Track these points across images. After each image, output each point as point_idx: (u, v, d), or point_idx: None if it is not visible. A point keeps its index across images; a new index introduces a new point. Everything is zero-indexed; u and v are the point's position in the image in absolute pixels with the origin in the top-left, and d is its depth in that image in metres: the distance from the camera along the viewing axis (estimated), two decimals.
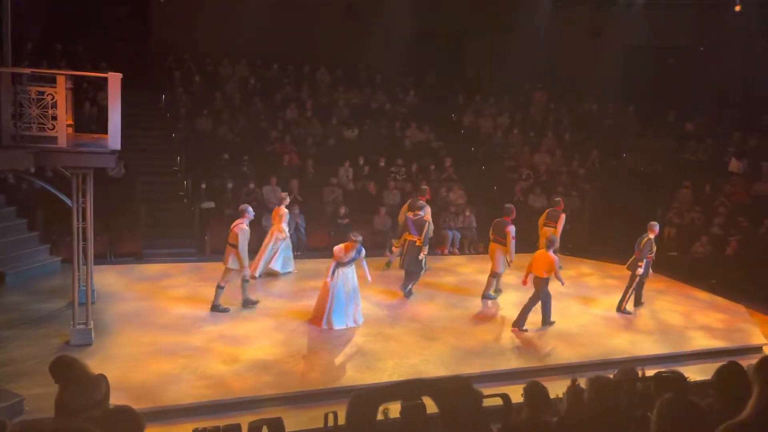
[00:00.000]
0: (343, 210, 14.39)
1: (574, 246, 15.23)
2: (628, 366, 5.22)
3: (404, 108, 18.89)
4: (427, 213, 11.75)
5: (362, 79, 19.11)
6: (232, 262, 9.85)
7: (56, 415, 4.21)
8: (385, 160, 16.50)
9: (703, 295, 12.62)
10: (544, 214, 13.66)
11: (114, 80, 8.41)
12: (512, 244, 11.18)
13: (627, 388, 3.97)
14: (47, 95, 8.10)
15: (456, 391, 1.84)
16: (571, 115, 19.65)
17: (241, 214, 10.19)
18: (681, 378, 3.88)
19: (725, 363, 4.00)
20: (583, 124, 19.36)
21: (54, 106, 8.10)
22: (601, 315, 11.01)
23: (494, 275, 11.49)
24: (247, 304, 10.20)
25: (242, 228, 9.87)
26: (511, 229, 11.22)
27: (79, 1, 16.76)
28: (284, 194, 12.30)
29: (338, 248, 9.74)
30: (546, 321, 10.10)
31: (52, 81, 8.36)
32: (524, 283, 10.29)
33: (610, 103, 19.77)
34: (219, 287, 9.99)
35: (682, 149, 17.49)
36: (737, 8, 16.85)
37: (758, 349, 10.01)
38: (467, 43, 20.90)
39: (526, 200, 16.48)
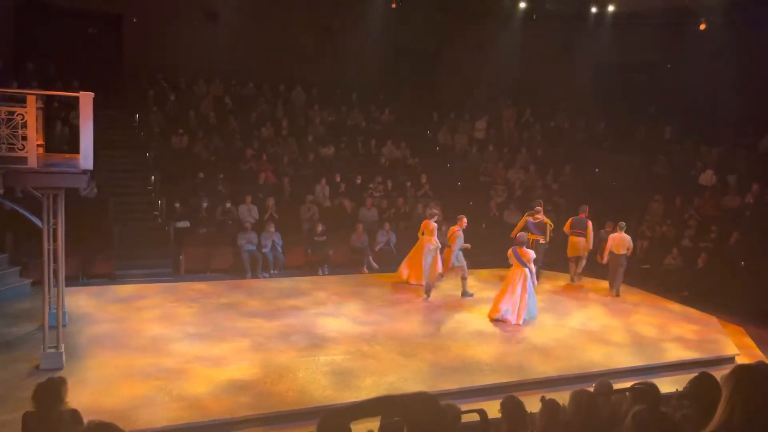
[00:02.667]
0: (320, 227, 14.37)
1: (550, 260, 15.37)
2: (604, 379, 5.29)
3: (380, 125, 19.02)
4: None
5: (338, 98, 19.20)
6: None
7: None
8: (361, 177, 16.55)
9: (676, 307, 12.82)
10: (568, 222, 14.03)
11: (86, 99, 8.33)
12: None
13: (605, 401, 4.01)
14: (17, 115, 7.98)
15: (422, 407, 1.85)
16: (544, 131, 19.96)
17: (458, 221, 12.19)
18: (654, 390, 3.93)
19: (698, 374, 4.07)
20: (556, 139, 19.67)
21: (24, 126, 7.98)
22: (576, 328, 11.10)
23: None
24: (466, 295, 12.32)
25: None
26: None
27: (50, 20, 16.62)
28: (435, 210, 13.30)
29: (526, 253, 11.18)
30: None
31: (22, 101, 8.24)
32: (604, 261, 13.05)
33: (581, 119, 20.13)
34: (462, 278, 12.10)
35: (652, 163, 17.85)
36: (702, 26, 17.37)
37: (731, 359, 10.16)
38: (441, 61, 21.18)
39: (501, 216, 16.64)
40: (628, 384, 4.89)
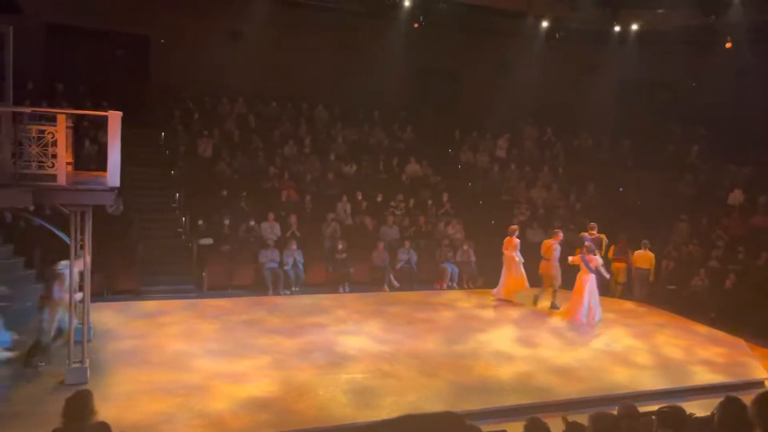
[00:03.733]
0: (341, 245, 14.41)
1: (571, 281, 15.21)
2: (628, 402, 5.19)
3: (402, 144, 19.08)
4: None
5: (360, 116, 19.34)
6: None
7: None
8: (382, 195, 16.59)
9: (703, 329, 12.56)
10: (612, 249, 14.74)
11: (114, 119, 8.51)
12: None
13: (629, 425, 3.93)
14: (47, 134, 8.18)
15: (448, 427, 1.83)
16: (566, 150, 19.86)
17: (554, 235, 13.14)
18: (683, 413, 3.85)
19: (725, 398, 3.98)
20: (579, 158, 19.55)
21: (54, 144, 8.17)
22: (600, 349, 10.93)
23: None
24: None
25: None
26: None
27: (80, 42, 17.06)
28: (515, 227, 14.03)
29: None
30: None
31: (52, 120, 8.45)
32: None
33: (605, 138, 19.99)
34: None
35: (678, 182, 17.63)
36: (728, 45, 17.20)
37: (760, 383, 9.91)
38: (463, 80, 21.25)
39: (524, 235, 16.51)
40: (653, 408, 4.80)
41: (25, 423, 7.09)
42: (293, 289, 13.78)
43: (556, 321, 12.57)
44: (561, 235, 13.44)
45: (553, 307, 13.18)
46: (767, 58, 16.26)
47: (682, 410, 4.06)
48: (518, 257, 13.58)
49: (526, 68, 19.21)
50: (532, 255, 13.93)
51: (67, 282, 8.66)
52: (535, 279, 13.69)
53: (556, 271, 13.22)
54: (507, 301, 13.67)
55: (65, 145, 8.32)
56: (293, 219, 14.86)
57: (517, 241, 13.72)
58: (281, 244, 14.12)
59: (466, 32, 19.32)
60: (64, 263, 8.86)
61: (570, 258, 12.86)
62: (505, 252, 13.70)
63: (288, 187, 16.07)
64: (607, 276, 12.86)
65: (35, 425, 6.80)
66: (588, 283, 12.29)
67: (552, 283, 13.31)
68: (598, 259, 12.50)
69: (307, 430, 7.59)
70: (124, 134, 8.67)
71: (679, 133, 19.10)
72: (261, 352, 9.88)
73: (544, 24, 19.05)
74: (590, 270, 12.29)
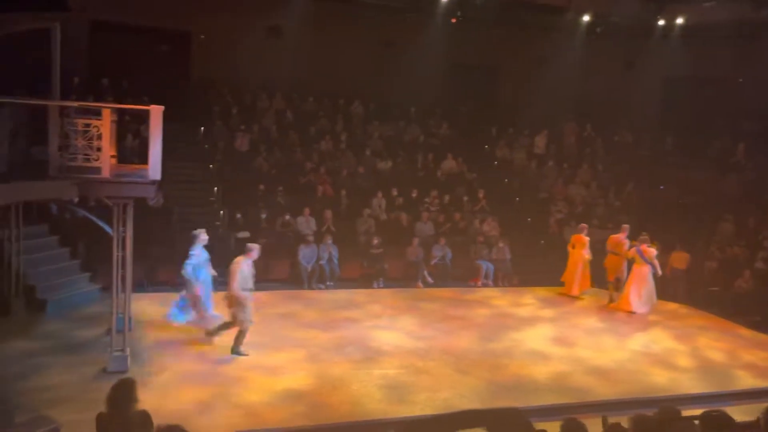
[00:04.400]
0: (376, 240, 14.43)
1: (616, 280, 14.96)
2: (669, 405, 5.06)
3: (437, 140, 18.99)
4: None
5: (396, 112, 19.31)
6: None
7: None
8: (417, 191, 16.55)
9: (747, 332, 12.20)
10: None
11: (156, 113, 8.67)
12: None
13: (670, 428, 3.84)
14: (93, 127, 8.39)
15: (512, 424, 1.80)
16: (606, 146, 19.49)
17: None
18: (728, 419, 3.73)
19: None
20: (619, 155, 19.16)
21: (99, 137, 8.37)
22: (638, 351, 10.72)
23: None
24: None
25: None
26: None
27: (124, 37, 17.44)
28: (584, 225, 14.35)
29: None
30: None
31: (97, 114, 8.66)
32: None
33: (646, 135, 19.55)
34: None
35: (722, 181, 17.13)
36: None
37: None
38: (501, 75, 21.03)
39: (561, 233, 16.29)
40: (693, 412, 4.68)
41: (70, 408, 7.29)
42: (328, 283, 13.86)
43: (593, 321, 12.37)
44: (627, 228, 13.70)
45: (613, 300, 13.49)
46: None
47: (727, 415, 3.94)
48: (587, 255, 13.97)
49: (565, 64, 18.90)
50: (566, 253, 13.75)
51: (239, 276, 9.26)
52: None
53: (624, 265, 13.53)
54: (573, 298, 13.91)
55: (109, 138, 8.52)
56: (328, 214, 14.94)
57: (587, 239, 14.05)
58: (317, 239, 14.22)
59: (505, 27, 19.10)
60: (241, 259, 9.52)
61: (627, 251, 13.35)
62: (572, 250, 14.13)
63: (324, 182, 16.17)
64: (659, 271, 13.05)
65: (80, 410, 6.99)
66: (643, 274, 12.88)
67: (618, 276, 13.56)
68: (653, 251, 12.91)
69: (341, 425, 7.64)
70: (165, 129, 8.82)
71: (725, 130, 18.54)
72: (296, 345, 9.98)
73: (585, 18, 18.70)
74: (646, 261, 12.87)
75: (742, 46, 17.67)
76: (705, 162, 17.88)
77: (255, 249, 9.74)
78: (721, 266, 14.49)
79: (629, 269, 13.33)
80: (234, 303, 9.34)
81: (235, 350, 9.41)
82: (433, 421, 1.74)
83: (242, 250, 13.82)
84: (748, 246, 14.67)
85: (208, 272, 10.37)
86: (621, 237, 13.67)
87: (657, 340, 11.38)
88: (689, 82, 19.38)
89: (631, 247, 13.29)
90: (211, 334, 9.73)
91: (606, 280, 13.89)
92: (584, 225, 14.38)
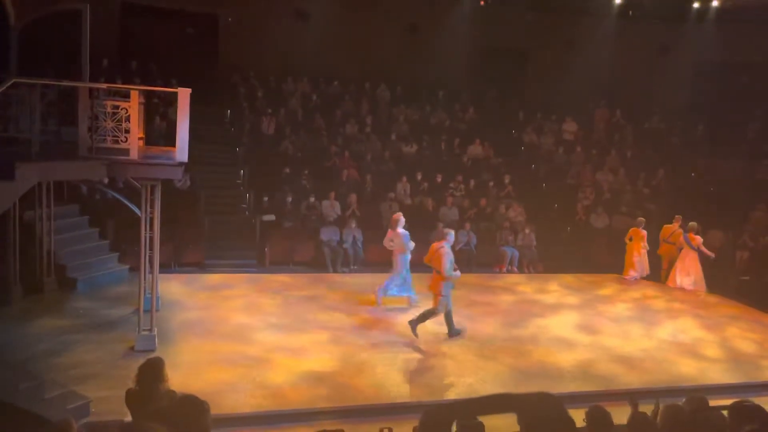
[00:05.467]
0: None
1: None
2: (698, 395, 4.97)
3: (464, 124, 18.82)
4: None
5: (422, 96, 19.16)
6: None
7: (129, 407, 4.33)
8: (442, 176, 16.44)
9: None
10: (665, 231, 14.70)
11: (183, 95, 8.71)
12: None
13: (701, 418, 3.76)
14: (121, 109, 8.46)
15: (545, 408, 1.76)
16: (636, 133, 19.12)
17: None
18: (761, 410, 3.64)
19: None
20: (650, 141, 18.79)
21: (127, 119, 8.45)
22: (666, 340, 10.57)
23: None
24: None
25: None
26: None
27: (152, 20, 17.55)
28: (641, 219, 14.60)
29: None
30: None
31: (126, 96, 8.74)
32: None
33: (678, 121, 19.14)
34: None
35: (756, 169, 16.72)
36: None
37: None
38: (530, 59, 20.71)
39: (588, 219, 16.09)
40: (722, 402, 4.59)
41: (100, 384, 7.45)
42: (352, 267, 13.90)
43: (619, 309, 12.21)
44: (680, 218, 14.17)
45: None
46: None
47: (758, 406, 3.85)
48: (645, 247, 14.41)
49: (596, 48, 18.55)
50: (593, 240, 13.58)
51: (447, 259, 9.67)
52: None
53: (677, 253, 14.04)
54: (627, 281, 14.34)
55: (137, 120, 8.59)
56: (353, 198, 14.94)
57: (644, 232, 14.40)
58: (341, 223, 14.23)
59: (535, 10, 18.80)
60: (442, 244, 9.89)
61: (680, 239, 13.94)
62: (629, 242, 14.45)
63: (349, 166, 16.15)
64: (711, 254, 13.53)
65: (109, 387, 7.13)
66: (690, 258, 13.67)
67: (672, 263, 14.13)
68: (699, 239, 13.60)
69: (365, 407, 7.67)
70: (192, 111, 8.86)
71: (760, 117, 18.05)
72: (320, 327, 10.04)
73: (617, 1, 18.28)
74: (692, 248, 13.59)
75: None
76: (737, 150, 17.44)
77: (451, 233, 10.19)
78: (752, 255, 14.18)
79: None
80: (439, 286, 9.71)
81: (414, 324, 9.62)
82: (460, 405, 1.71)
83: (267, 232, 14.01)
84: None
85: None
86: (674, 227, 14.21)
87: (685, 329, 11.21)
88: (723, 67, 18.88)
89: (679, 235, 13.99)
90: (452, 332, 9.92)
91: (661, 268, 14.46)
92: (642, 218, 14.60)
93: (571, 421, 1.80)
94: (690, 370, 9.35)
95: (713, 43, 17.94)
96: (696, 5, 18.02)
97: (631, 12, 18.47)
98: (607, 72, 18.70)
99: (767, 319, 12.12)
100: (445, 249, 9.76)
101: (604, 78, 18.76)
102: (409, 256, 11.39)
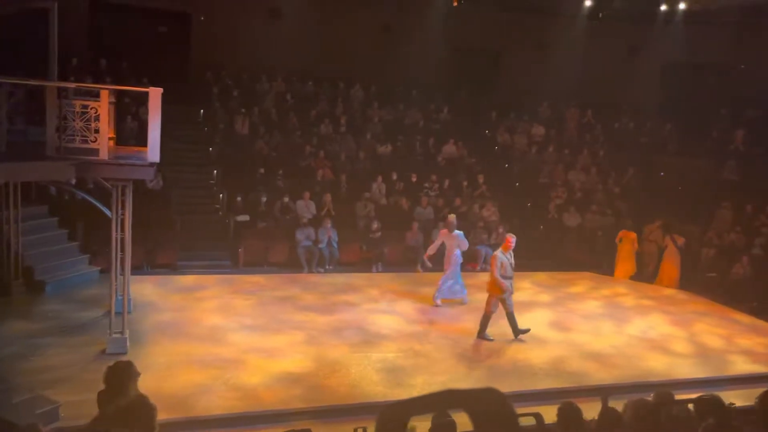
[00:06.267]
0: (375, 225, 14.43)
1: (609, 266, 15.01)
2: (664, 390, 5.10)
3: (438, 124, 18.92)
4: None
5: (396, 96, 19.21)
6: None
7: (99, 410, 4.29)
8: (417, 175, 16.51)
9: (744, 318, 12.25)
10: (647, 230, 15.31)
11: (155, 95, 8.63)
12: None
13: (666, 412, 3.86)
14: (91, 109, 8.35)
15: (491, 403, 1.80)
16: (607, 133, 19.42)
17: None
18: (721, 403, 3.76)
19: (767, 389, 3.88)
20: (620, 141, 19.11)
21: (97, 119, 8.34)
22: (636, 336, 10.77)
23: None
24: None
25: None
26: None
27: (123, 18, 17.30)
28: (659, 222, 15.00)
29: None
30: None
31: (96, 95, 8.62)
32: None
33: (647, 121, 19.49)
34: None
35: (721, 168, 17.11)
36: None
37: None
38: (502, 60, 20.90)
39: (561, 218, 16.30)
40: (689, 396, 4.71)
41: (70, 388, 7.34)
42: (327, 267, 13.89)
43: (590, 307, 12.41)
44: (661, 222, 14.83)
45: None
46: None
47: (720, 399, 3.97)
48: (635, 246, 14.83)
49: (567, 48, 18.78)
50: (566, 239, 13.78)
51: (498, 264, 9.98)
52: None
53: (658, 251, 14.79)
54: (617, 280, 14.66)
55: (107, 120, 8.48)
56: (328, 198, 14.93)
57: (634, 234, 14.86)
58: (316, 223, 14.22)
59: (507, 11, 18.96)
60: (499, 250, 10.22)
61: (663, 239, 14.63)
62: (619, 243, 14.85)
63: (324, 166, 16.13)
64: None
65: (79, 391, 7.03)
66: (676, 257, 14.32)
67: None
68: (682, 239, 14.28)
69: (339, 407, 7.69)
70: (164, 111, 8.79)
71: (726, 117, 18.48)
72: (295, 328, 10.02)
73: (587, 3, 18.55)
74: (677, 247, 14.24)
75: (744, 32, 17.54)
76: (704, 149, 17.82)
77: (512, 238, 10.40)
78: (719, 252, 14.51)
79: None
80: (494, 290, 9.93)
81: (481, 335, 10.00)
82: (411, 403, 1.73)
83: (241, 233, 13.93)
84: (745, 232, 14.67)
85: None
86: (655, 227, 14.85)
87: (654, 325, 11.43)
88: (690, 68, 19.27)
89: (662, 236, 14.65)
90: (481, 334, 10.11)
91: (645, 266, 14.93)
92: (661, 221, 15.11)
93: (515, 416, 1.85)
94: (659, 366, 9.54)
95: (680, 45, 18.29)
96: (663, 7, 18.36)
97: (600, 13, 18.75)
98: (578, 72, 18.95)
99: (733, 315, 12.42)
100: (497, 256, 10.08)
101: (576, 78, 19.00)
102: (461, 258, 11.99)
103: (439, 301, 11.74)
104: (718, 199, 15.78)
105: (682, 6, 18.11)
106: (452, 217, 12.31)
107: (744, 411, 4.10)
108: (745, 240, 14.50)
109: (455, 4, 18.26)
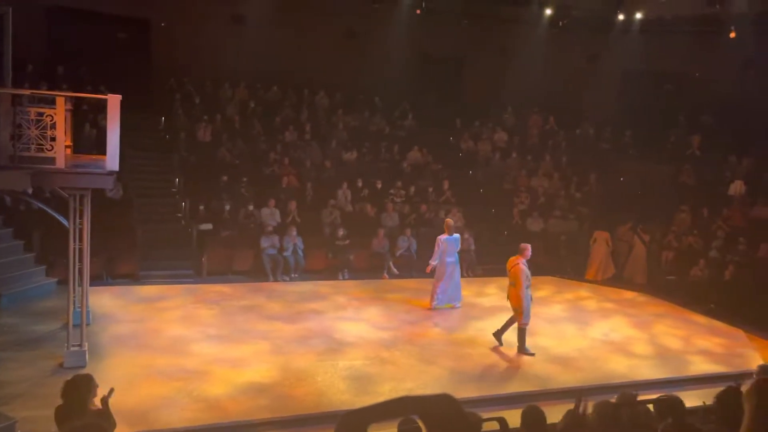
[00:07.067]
0: (341, 231, 14.39)
1: (572, 270, 15.27)
2: (628, 391, 5.19)
3: (403, 131, 19.00)
4: None
5: (361, 103, 19.23)
6: None
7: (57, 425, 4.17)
8: (382, 182, 16.54)
9: (702, 320, 12.57)
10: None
11: (113, 102, 8.45)
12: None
13: (628, 413, 3.93)
14: (46, 116, 8.13)
15: (444, 409, 1.80)
16: (568, 139, 19.78)
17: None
18: (679, 403, 3.84)
19: (725, 388, 3.98)
20: (581, 147, 19.47)
21: (53, 127, 8.12)
22: (599, 339, 10.95)
23: None
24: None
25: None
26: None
27: (81, 24, 16.91)
28: (630, 224, 15.74)
29: None
30: None
31: (51, 102, 8.40)
32: None
33: (607, 127, 19.91)
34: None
35: (678, 173, 17.57)
36: (732, 35, 17.07)
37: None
38: (466, 67, 21.12)
39: (524, 223, 16.51)
40: (652, 396, 4.80)
41: (27, 403, 7.12)
42: (293, 275, 13.78)
43: (554, 311, 12.58)
44: (630, 224, 15.62)
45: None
46: None
47: (679, 399, 4.06)
48: (610, 246, 15.60)
49: (529, 56, 19.08)
50: (532, 242, 13.88)
51: (524, 275, 9.82)
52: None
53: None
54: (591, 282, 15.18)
55: (64, 128, 8.28)
56: (293, 205, 14.84)
57: (608, 234, 15.61)
58: (281, 230, 14.10)
59: (469, 19, 19.18)
60: (519, 259, 10.01)
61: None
62: (593, 244, 15.53)
63: (288, 173, 16.02)
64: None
65: (36, 406, 6.83)
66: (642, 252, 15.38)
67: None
68: (647, 236, 15.28)
69: (305, 416, 7.61)
70: (124, 118, 8.62)
71: (683, 123, 19.01)
72: (260, 337, 9.90)
73: (548, 11, 18.89)
74: (643, 243, 15.30)
75: (698, 41, 18.08)
76: (662, 155, 18.29)
77: (527, 248, 10.19)
78: (677, 255, 14.88)
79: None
80: (518, 303, 9.86)
81: (522, 350, 9.90)
82: (367, 411, 1.73)
83: (205, 242, 13.74)
84: (702, 236, 15.09)
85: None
86: (626, 228, 15.67)
87: (616, 328, 11.64)
88: (648, 76, 19.77)
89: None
90: (522, 349, 9.97)
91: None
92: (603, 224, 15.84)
93: (468, 421, 1.87)
94: (621, 368, 9.71)
95: (638, 53, 18.75)
96: (621, 17, 18.80)
97: (561, 22, 19.11)
98: (540, 80, 19.27)
99: (692, 316, 12.74)
100: (521, 265, 9.93)
101: (538, 85, 19.32)
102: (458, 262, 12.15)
103: (434, 306, 11.90)
104: (677, 202, 16.19)
105: (639, 15, 18.57)
106: (450, 221, 12.36)
107: (702, 410, 4.20)
108: (702, 243, 14.89)
109: (418, 12, 18.38)
